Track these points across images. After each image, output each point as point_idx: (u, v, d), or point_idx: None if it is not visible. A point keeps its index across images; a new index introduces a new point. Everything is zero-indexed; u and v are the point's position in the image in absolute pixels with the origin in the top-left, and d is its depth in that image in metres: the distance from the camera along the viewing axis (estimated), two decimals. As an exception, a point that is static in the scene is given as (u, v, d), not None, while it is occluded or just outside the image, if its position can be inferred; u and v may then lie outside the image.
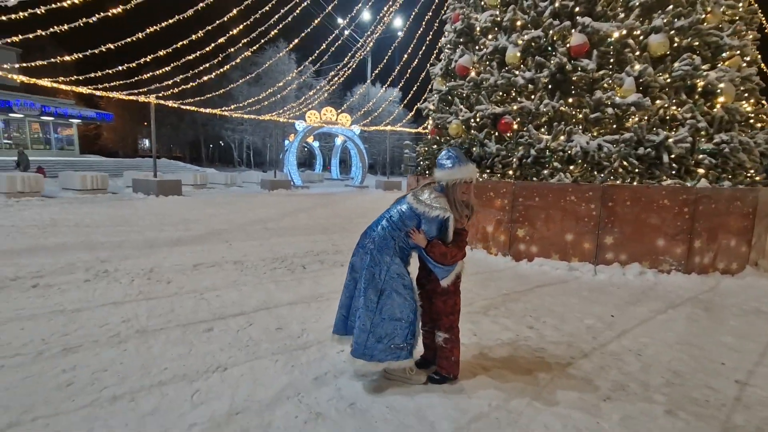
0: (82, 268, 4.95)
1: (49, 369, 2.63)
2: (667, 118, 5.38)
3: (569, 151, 5.49)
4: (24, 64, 10.60)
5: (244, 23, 11.77)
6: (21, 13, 7.54)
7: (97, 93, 12.28)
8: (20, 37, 8.35)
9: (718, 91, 5.37)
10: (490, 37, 6.56)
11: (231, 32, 11.63)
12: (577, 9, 5.69)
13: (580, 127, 5.63)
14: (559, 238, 5.47)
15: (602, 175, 5.36)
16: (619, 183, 5.32)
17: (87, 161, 27.13)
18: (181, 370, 2.66)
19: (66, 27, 8.42)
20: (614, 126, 5.51)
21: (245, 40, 13.20)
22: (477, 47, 6.79)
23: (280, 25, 13.31)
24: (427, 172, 7.68)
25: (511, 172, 6.04)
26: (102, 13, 8.67)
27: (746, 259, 5.34)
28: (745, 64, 5.74)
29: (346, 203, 14.74)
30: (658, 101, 5.44)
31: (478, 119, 6.51)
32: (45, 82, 11.13)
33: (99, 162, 27.62)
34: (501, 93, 6.36)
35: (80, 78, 11.19)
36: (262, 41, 13.88)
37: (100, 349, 2.92)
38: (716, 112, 5.36)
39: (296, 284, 4.64)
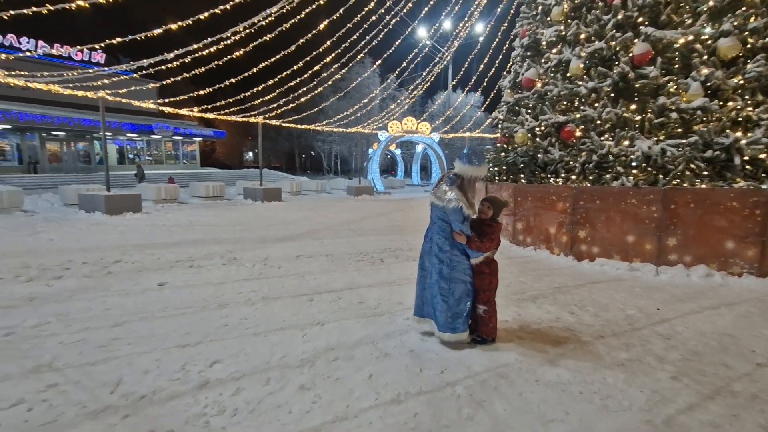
0: (218, 256, 6.57)
1: (212, 316, 3.95)
2: (740, 119, 5.32)
3: (631, 156, 5.71)
4: (170, 99, 13.60)
5: (336, 52, 13.57)
6: (174, 63, 10.06)
7: (221, 118, 15.03)
8: (172, 80, 11.16)
9: (804, 89, 5.19)
10: (554, 50, 6.97)
11: (325, 61, 13.47)
12: (640, 19, 5.90)
13: (642, 132, 5.81)
14: (620, 239, 5.71)
15: (666, 178, 5.50)
16: (686, 185, 5.40)
17: (206, 173, 32.02)
18: (294, 322, 3.80)
19: (203, 69, 10.93)
20: (680, 130, 5.60)
21: (336, 66, 15.05)
22: (542, 60, 7.23)
23: (367, 49, 14.90)
24: (496, 178, 8.23)
25: (573, 177, 6.39)
26: (227, 57, 10.93)
27: (839, 265, 5.03)
28: (842, 58, 5.39)
29: (422, 207, 15.60)
30: (730, 103, 5.42)
31: (542, 128, 6.95)
32: (185, 111, 14.15)
33: (215, 173, 32.37)
34: (565, 102, 6.74)
35: (208, 107, 14.01)
36: (351, 64, 15.59)
37: (240, 307, 4.20)
38: (800, 112, 5.18)
39: (374, 272, 5.65)
